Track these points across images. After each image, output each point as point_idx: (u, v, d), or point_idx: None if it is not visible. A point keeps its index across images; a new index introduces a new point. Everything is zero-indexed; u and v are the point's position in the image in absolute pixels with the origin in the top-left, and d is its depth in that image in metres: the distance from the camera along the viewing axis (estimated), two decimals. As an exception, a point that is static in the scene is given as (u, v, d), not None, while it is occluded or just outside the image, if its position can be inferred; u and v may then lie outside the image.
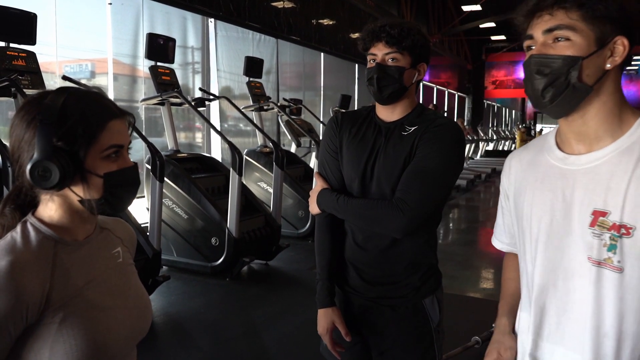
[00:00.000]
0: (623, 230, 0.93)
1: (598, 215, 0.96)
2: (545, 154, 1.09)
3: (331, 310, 1.56)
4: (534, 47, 1.00)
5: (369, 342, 1.61)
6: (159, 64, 4.83)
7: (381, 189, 1.50)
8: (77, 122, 0.92)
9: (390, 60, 1.48)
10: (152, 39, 4.78)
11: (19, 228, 0.93)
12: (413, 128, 1.50)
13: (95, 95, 0.97)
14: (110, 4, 5.70)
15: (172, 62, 4.96)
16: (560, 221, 1.02)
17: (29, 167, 0.89)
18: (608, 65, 0.96)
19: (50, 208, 0.96)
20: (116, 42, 5.84)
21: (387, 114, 1.56)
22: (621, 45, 0.96)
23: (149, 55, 4.76)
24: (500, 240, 1.33)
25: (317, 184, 1.60)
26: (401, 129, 1.51)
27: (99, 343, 0.92)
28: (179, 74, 5.27)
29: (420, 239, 1.53)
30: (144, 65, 5.87)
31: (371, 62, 1.52)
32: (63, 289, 0.91)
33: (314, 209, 1.59)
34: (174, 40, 4.97)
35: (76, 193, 0.94)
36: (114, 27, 5.79)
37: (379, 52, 1.49)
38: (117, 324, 0.97)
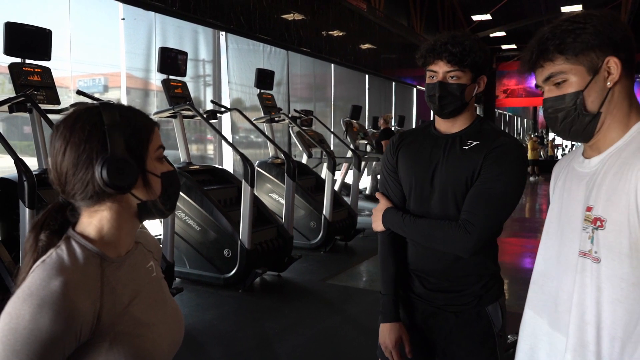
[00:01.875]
0: (599, 223, 1.02)
1: (587, 211, 1.06)
2: (574, 161, 1.20)
3: (398, 326, 1.61)
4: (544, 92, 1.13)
5: (434, 346, 1.64)
6: (171, 77, 4.88)
7: (444, 203, 1.52)
8: (137, 125, 0.96)
9: (451, 78, 1.49)
10: (165, 52, 4.83)
11: (63, 246, 0.92)
12: (474, 143, 1.52)
13: (134, 107, 1.01)
14: (124, 19, 5.79)
15: (184, 75, 5.01)
16: (567, 218, 1.13)
17: (105, 169, 0.90)
18: (609, 84, 1.05)
19: (102, 219, 0.95)
20: (129, 57, 5.92)
21: (447, 126, 1.58)
22: (613, 63, 1.04)
23: (161, 68, 4.81)
24: None
25: (381, 203, 1.64)
26: (461, 142, 1.53)
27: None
28: (190, 86, 5.32)
29: (482, 251, 1.55)
30: (156, 79, 5.94)
31: (431, 78, 1.53)
32: (112, 307, 0.91)
33: (378, 226, 1.64)
34: (185, 54, 5.02)
35: (137, 196, 0.96)
36: (127, 42, 5.87)
37: (440, 69, 1.50)
38: (160, 340, 0.99)
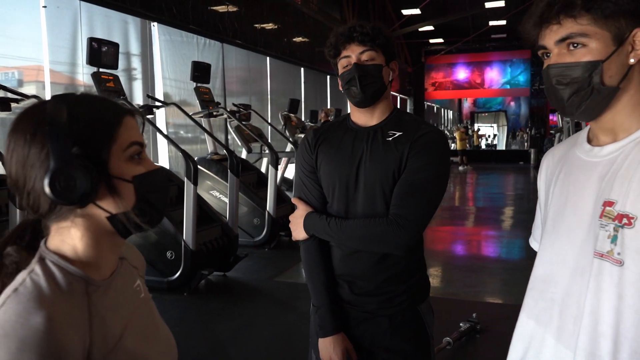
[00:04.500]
0: (625, 220, 0.89)
1: (606, 205, 0.92)
2: (576, 149, 1.06)
3: (342, 337, 1.48)
4: (549, 55, 0.96)
5: (369, 353, 1.54)
6: (101, 70, 4.57)
7: (371, 199, 1.44)
8: (92, 121, 0.77)
9: (366, 59, 1.44)
10: (93, 43, 4.51)
11: (38, 269, 0.74)
12: (398, 134, 1.45)
13: (99, 96, 0.83)
14: (45, 7, 5.36)
15: (115, 67, 4.71)
16: (574, 213, 0.99)
17: (46, 180, 0.72)
18: (632, 60, 0.92)
19: (72, 237, 0.78)
20: (52, 49, 5.49)
21: (366, 118, 1.50)
22: None
23: (90, 61, 4.49)
24: (536, 240, 1.25)
25: (299, 209, 1.52)
26: (383, 134, 1.46)
27: None
28: (121, 80, 5.01)
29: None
30: (83, 73, 5.55)
31: (345, 67, 1.46)
32: (103, 342, 0.76)
33: (299, 234, 1.51)
34: (116, 45, 4.72)
35: (104, 208, 0.77)
36: (50, 33, 5.44)
37: (353, 52, 1.44)
38: None
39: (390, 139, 1.45)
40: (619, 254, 0.89)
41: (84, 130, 0.76)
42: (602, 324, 0.90)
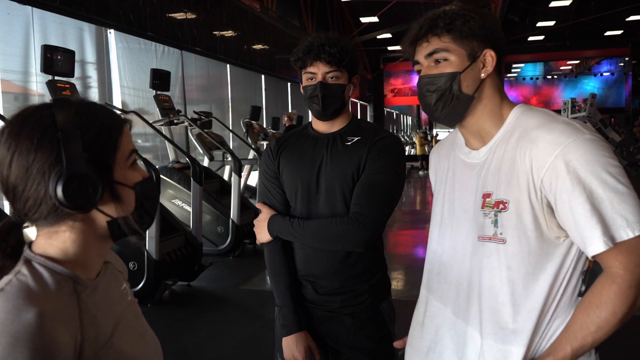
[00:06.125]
0: (501, 206, 1.07)
1: (485, 197, 1.11)
2: (456, 150, 1.24)
3: (304, 335, 1.52)
4: (421, 70, 1.16)
5: (333, 351, 1.58)
6: (57, 78, 4.44)
7: (331, 200, 1.50)
8: (100, 128, 0.78)
9: (330, 78, 1.51)
10: (48, 50, 4.38)
11: (24, 270, 0.74)
12: (356, 138, 1.53)
13: (98, 103, 0.84)
14: (-5, 13, 5.17)
15: (72, 75, 4.58)
16: (461, 207, 1.18)
17: (60, 185, 0.73)
18: (483, 75, 1.12)
19: (63, 239, 0.78)
20: (3, 58, 5.29)
21: (326, 127, 1.59)
22: (489, 56, 1.11)
23: (45, 68, 4.34)
24: None
25: (263, 212, 1.58)
26: (342, 139, 1.55)
27: None
28: (77, 89, 4.87)
29: (370, 248, 1.54)
30: (37, 82, 5.38)
31: (310, 80, 1.53)
32: (94, 339, 0.76)
33: (264, 237, 1.56)
34: (72, 52, 4.59)
35: (106, 213, 0.78)
36: (0, 41, 5.24)
37: (319, 71, 1.51)
38: None
39: (349, 143, 1.53)
40: (501, 234, 1.07)
41: (92, 137, 0.77)
42: (501, 295, 1.07)
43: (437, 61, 1.12)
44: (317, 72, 1.50)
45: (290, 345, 1.50)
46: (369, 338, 1.55)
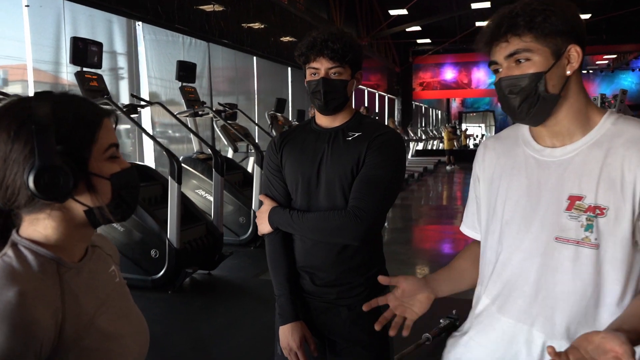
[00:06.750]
0: (598, 211, 1.05)
1: (574, 200, 1.07)
2: (522, 146, 1.19)
3: (300, 324, 1.56)
4: (500, 70, 1.11)
5: (329, 342, 1.61)
6: (85, 69, 4.56)
7: (331, 194, 1.53)
8: (75, 122, 0.82)
9: (333, 74, 1.53)
10: (77, 42, 4.50)
11: (10, 252, 0.80)
12: (357, 134, 1.56)
13: (79, 96, 0.88)
14: (28, 6, 5.33)
15: (99, 67, 4.70)
16: (534, 205, 1.13)
17: (31, 177, 0.77)
18: (568, 72, 1.08)
19: (45, 226, 0.83)
20: (36, 48, 5.46)
21: (329, 122, 1.61)
22: (575, 52, 1.07)
23: (74, 60, 4.48)
24: (471, 227, 1.37)
25: (265, 204, 1.62)
26: (344, 134, 1.57)
27: None
28: (106, 80, 5.00)
29: (368, 242, 1.57)
30: (67, 72, 5.53)
31: (313, 75, 1.55)
32: (76, 319, 0.81)
33: (265, 228, 1.60)
34: (100, 44, 4.71)
35: (82, 202, 0.83)
36: (33, 32, 5.41)
37: (322, 66, 1.52)
38: (127, 353, 0.89)
39: (350, 138, 1.55)
40: (595, 239, 1.05)
41: (68, 131, 0.81)
42: (584, 298, 1.07)
43: (518, 61, 1.07)
44: (320, 67, 1.52)
45: (286, 334, 1.54)
46: (364, 330, 1.57)
